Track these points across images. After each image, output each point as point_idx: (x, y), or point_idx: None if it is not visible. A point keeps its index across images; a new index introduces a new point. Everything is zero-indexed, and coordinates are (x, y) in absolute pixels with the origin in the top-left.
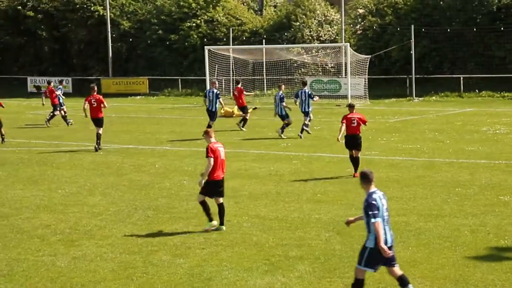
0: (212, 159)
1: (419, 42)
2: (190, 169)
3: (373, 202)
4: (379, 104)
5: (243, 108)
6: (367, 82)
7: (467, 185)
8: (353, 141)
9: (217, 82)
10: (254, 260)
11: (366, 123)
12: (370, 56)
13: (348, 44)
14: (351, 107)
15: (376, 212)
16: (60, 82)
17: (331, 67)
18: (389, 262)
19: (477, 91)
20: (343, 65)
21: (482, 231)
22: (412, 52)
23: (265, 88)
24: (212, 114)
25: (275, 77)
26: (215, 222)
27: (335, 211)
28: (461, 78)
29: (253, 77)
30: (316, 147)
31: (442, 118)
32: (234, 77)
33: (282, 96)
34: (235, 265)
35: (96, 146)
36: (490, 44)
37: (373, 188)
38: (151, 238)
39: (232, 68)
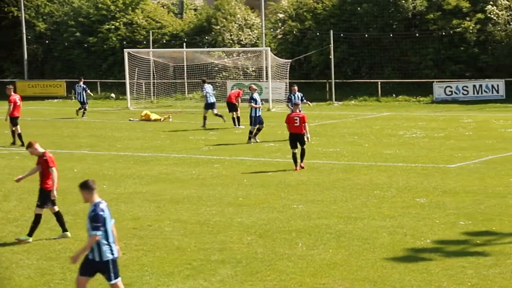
0: (54, 169)
1: (338, 47)
2: (110, 173)
3: (101, 213)
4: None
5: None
6: (288, 86)
7: (385, 188)
8: (297, 139)
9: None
10: (176, 265)
11: (306, 123)
12: (290, 60)
13: (269, 48)
14: (295, 105)
15: (100, 225)
16: None
17: (252, 71)
18: (107, 274)
19: (394, 95)
20: (264, 69)
21: (400, 233)
22: (332, 57)
23: (186, 92)
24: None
25: (196, 80)
26: (68, 233)
27: (257, 215)
28: (379, 83)
29: (174, 81)
30: (238, 151)
31: (361, 122)
32: (154, 80)
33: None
34: (156, 270)
35: (21, 143)
36: (406, 50)
37: (97, 198)
38: (69, 244)
39: (153, 71)
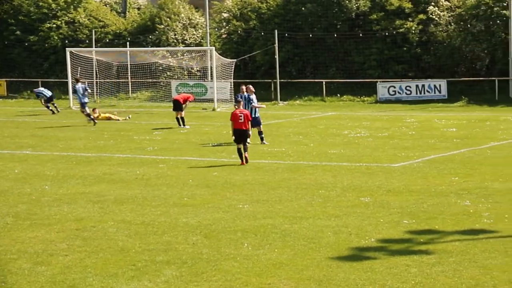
0: None
1: (282, 47)
2: (52, 174)
3: None
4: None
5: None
6: (232, 86)
7: (330, 187)
8: (242, 136)
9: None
10: (120, 266)
11: (251, 120)
12: (235, 60)
13: (214, 48)
14: (237, 102)
15: None
16: None
17: (197, 70)
18: None
19: (338, 95)
20: (209, 68)
21: (345, 232)
22: (276, 56)
23: (130, 91)
24: None
25: (140, 80)
26: None
27: (203, 215)
28: (323, 82)
29: (117, 80)
30: (183, 151)
31: (306, 121)
32: (97, 80)
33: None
34: (99, 272)
35: None
36: (349, 50)
37: None
38: (10, 246)
39: (96, 70)
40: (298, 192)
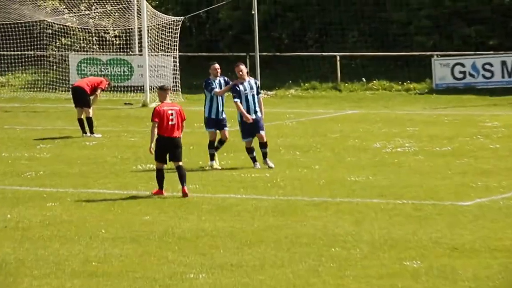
0: None
1: None
2: None
3: None
4: (200, 102)
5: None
6: (177, 64)
7: (350, 243)
8: (171, 148)
9: None
10: None
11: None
12: (182, 18)
13: None
14: (163, 90)
15: None
16: None
17: (115, 36)
18: None
19: (363, 80)
20: (136, 33)
21: None
22: (255, 12)
23: None
24: None
25: (11, 53)
26: None
27: None
28: (337, 57)
29: None
30: (89, 178)
31: (307, 125)
32: None
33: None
34: None
35: None
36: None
37: None
38: None
39: None
40: (293, 251)
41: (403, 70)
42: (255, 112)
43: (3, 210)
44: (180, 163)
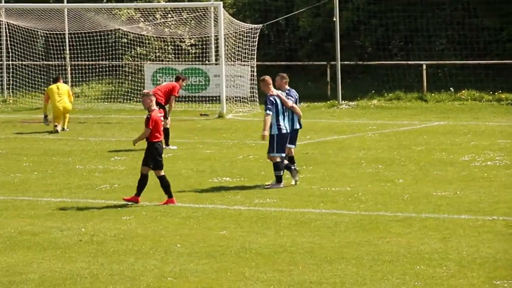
0: None
1: (347, 2)
2: None
3: None
4: None
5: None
6: (255, 73)
7: (437, 261)
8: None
9: None
10: None
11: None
12: (261, 26)
13: (221, 2)
14: (148, 96)
15: None
16: None
17: (191, 45)
18: None
19: (451, 89)
20: (213, 41)
21: None
22: (336, 19)
23: (69, 82)
24: None
25: (87, 62)
26: None
27: None
28: (423, 66)
29: (46, 63)
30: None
31: (390, 138)
32: (10, 62)
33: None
34: None
35: None
36: (472, 6)
37: None
38: None
39: (6, 45)
40: (375, 269)
41: (494, 79)
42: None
43: (77, 223)
44: (161, 173)
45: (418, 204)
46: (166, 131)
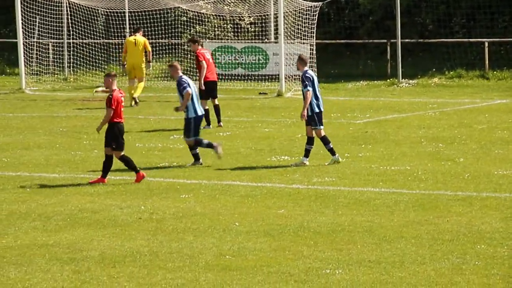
0: None
1: None
2: None
3: None
4: (336, 92)
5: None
6: (314, 52)
7: (497, 240)
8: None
9: None
10: None
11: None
12: (321, 3)
13: None
14: (111, 76)
15: None
16: None
17: (250, 23)
18: None
19: None
20: (272, 19)
21: None
22: None
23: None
24: None
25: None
26: None
27: None
28: (485, 44)
29: (107, 41)
30: (223, 170)
31: (451, 116)
32: (70, 40)
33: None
34: None
35: None
36: None
37: None
38: None
39: (68, 23)
40: (435, 248)
41: None
42: None
43: (137, 201)
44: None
45: (479, 183)
46: (218, 108)
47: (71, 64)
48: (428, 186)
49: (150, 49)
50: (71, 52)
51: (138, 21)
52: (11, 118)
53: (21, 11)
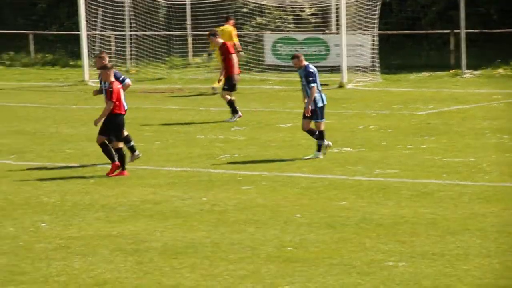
0: None
1: None
2: (53, 201)
3: None
4: (398, 83)
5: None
6: (377, 42)
7: None
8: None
9: None
10: None
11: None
12: None
13: None
14: (108, 69)
15: None
16: None
17: (311, 14)
18: None
19: None
20: (333, 10)
21: None
22: None
23: (190, 53)
24: None
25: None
26: None
27: (321, 279)
28: None
29: (168, 33)
30: (285, 162)
31: None
32: (131, 32)
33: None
34: None
35: None
36: None
37: None
38: None
39: (129, 15)
40: (501, 241)
41: None
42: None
43: (198, 193)
44: (119, 144)
45: None
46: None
47: (133, 56)
48: (492, 178)
49: (236, 40)
50: (133, 44)
51: (199, 13)
52: (75, 110)
53: (84, 3)
